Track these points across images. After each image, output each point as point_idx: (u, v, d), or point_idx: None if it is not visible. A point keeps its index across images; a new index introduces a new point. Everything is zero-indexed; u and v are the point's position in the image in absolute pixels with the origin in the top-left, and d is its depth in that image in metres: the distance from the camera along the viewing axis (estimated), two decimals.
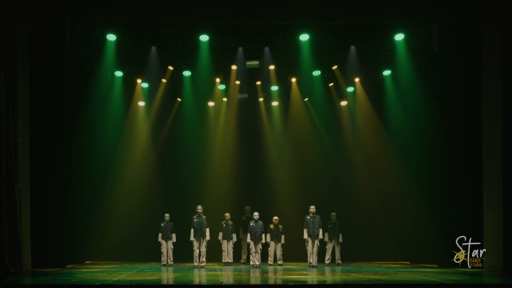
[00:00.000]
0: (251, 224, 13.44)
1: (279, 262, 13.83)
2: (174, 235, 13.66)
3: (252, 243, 13.33)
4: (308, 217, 13.16)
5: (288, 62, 14.72)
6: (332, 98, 16.15)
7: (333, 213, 14.12)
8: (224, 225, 13.81)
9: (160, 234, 13.61)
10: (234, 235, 13.86)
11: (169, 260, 13.60)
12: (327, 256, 13.98)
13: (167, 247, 13.63)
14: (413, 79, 13.78)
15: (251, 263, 13.25)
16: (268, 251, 13.88)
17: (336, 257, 13.99)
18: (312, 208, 13.22)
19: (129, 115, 15.96)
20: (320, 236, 13.28)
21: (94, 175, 14.74)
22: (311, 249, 13.13)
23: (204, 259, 13.05)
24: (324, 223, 13.81)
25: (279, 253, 13.89)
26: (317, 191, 16.20)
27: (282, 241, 13.91)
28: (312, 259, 13.10)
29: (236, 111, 16.63)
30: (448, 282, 9.00)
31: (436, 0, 11.46)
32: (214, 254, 14.46)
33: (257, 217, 13.40)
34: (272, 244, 13.83)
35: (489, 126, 11.60)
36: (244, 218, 14.70)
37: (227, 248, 13.80)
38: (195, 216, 13.06)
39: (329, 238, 14.00)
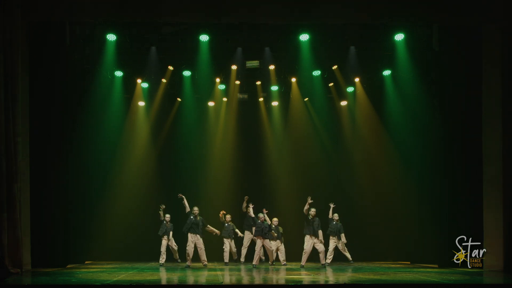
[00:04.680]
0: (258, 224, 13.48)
1: (283, 263, 13.81)
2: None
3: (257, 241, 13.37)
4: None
5: (288, 62, 14.72)
6: (332, 98, 16.15)
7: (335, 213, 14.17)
8: (226, 225, 13.85)
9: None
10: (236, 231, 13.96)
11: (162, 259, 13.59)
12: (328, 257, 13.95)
13: (167, 246, 13.63)
14: (413, 79, 13.77)
15: (255, 262, 13.23)
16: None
17: (325, 259, 13.89)
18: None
19: (129, 115, 15.94)
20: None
21: (94, 175, 14.72)
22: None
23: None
24: (324, 224, 13.81)
25: (282, 254, 13.86)
26: (317, 191, 16.16)
27: (282, 242, 13.91)
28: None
29: (236, 111, 16.62)
30: (448, 282, 9.00)
31: (436, 0, 11.47)
32: (214, 254, 14.46)
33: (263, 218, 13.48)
34: (273, 244, 13.79)
35: (489, 127, 11.60)
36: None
37: (229, 247, 13.88)
38: (192, 217, 13.05)
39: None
